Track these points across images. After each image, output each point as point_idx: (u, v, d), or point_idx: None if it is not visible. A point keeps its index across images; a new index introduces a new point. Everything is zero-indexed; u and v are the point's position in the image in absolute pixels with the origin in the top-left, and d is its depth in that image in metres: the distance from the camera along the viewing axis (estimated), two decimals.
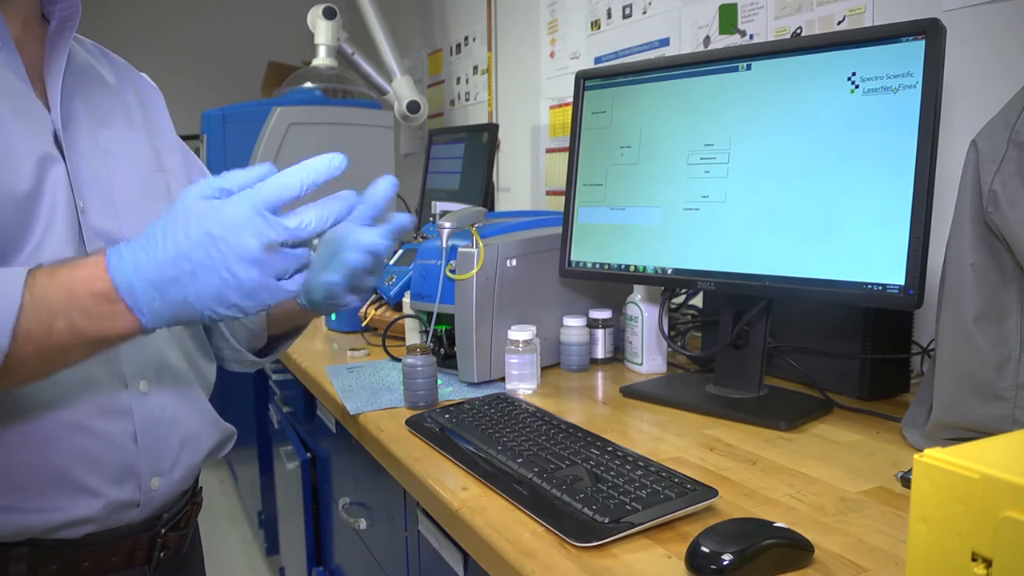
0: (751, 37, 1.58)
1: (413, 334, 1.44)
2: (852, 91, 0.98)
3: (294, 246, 0.65)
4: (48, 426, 0.73)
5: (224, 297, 0.63)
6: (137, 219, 0.83)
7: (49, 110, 0.78)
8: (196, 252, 0.62)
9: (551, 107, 2.29)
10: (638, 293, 1.33)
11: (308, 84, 2.70)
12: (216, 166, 2.36)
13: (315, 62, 2.68)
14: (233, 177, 0.64)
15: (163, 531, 0.86)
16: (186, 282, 0.62)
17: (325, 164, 0.67)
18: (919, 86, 0.92)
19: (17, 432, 0.72)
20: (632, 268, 1.22)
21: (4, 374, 0.62)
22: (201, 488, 0.95)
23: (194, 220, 0.62)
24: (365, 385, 1.27)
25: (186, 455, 0.86)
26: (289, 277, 0.65)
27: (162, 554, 0.86)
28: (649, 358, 1.33)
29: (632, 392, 1.20)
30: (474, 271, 1.22)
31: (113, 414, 0.78)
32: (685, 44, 1.76)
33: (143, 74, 0.98)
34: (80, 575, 0.78)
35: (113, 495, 0.78)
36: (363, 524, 1.36)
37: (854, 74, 0.98)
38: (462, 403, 1.09)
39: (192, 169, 0.99)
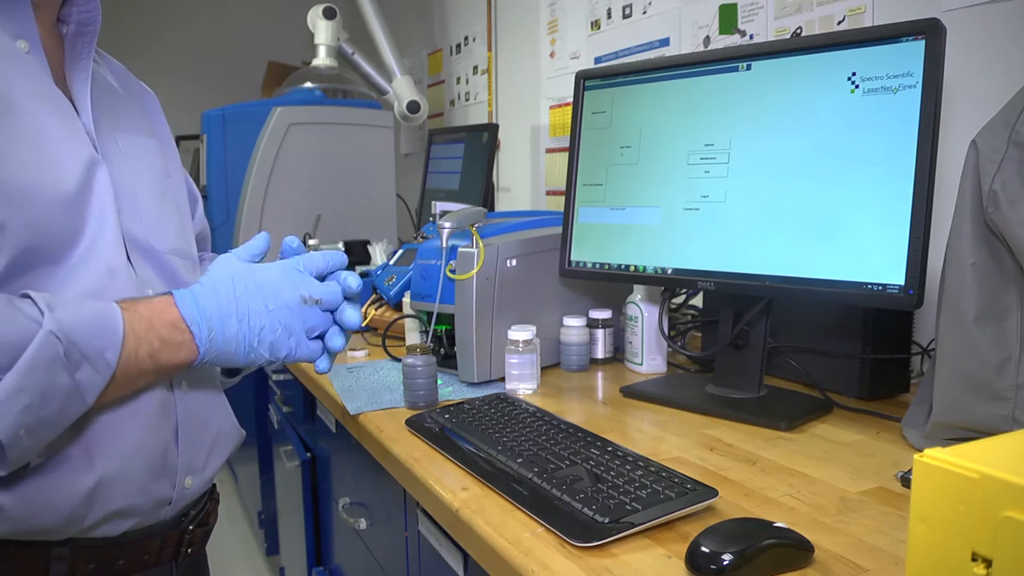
0: (751, 37, 1.58)
1: (413, 334, 1.44)
2: (852, 91, 0.98)
3: (325, 308, 0.80)
4: (98, 426, 0.74)
5: (265, 339, 0.76)
6: (156, 225, 0.84)
7: (79, 113, 0.77)
8: (249, 299, 0.75)
9: (551, 107, 2.29)
10: (638, 293, 1.33)
11: (308, 84, 2.70)
12: (216, 166, 2.37)
13: (315, 62, 2.68)
14: (248, 249, 0.81)
15: (190, 527, 0.87)
16: (237, 323, 0.75)
17: (340, 256, 0.84)
18: (919, 86, 0.92)
19: (67, 432, 0.71)
20: (632, 268, 1.22)
21: (100, 393, 0.68)
22: (215, 484, 0.95)
23: (246, 274, 0.77)
24: (365, 385, 1.27)
25: (216, 455, 0.88)
26: (314, 337, 0.81)
27: (189, 550, 0.87)
28: (649, 358, 1.33)
29: (632, 392, 1.20)
30: (474, 271, 1.22)
31: (160, 413, 0.79)
32: (685, 44, 1.76)
33: (141, 81, 0.98)
34: (115, 573, 0.79)
35: (152, 492, 0.79)
36: (363, 524, 1.36)
37: (854, 74, 0.98)
38: (462, 403, 1.09)
39: (188, 180, 1.00)
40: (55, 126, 0.73)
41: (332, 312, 0.82)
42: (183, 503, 0.84)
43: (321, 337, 0.82)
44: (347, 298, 0.83)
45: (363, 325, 1.62)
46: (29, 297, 0.65)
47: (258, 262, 0.81)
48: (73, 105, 0.78)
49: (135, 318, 0.70)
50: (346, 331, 0.84)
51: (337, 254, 0.83)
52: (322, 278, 0.82)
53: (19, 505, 0.69)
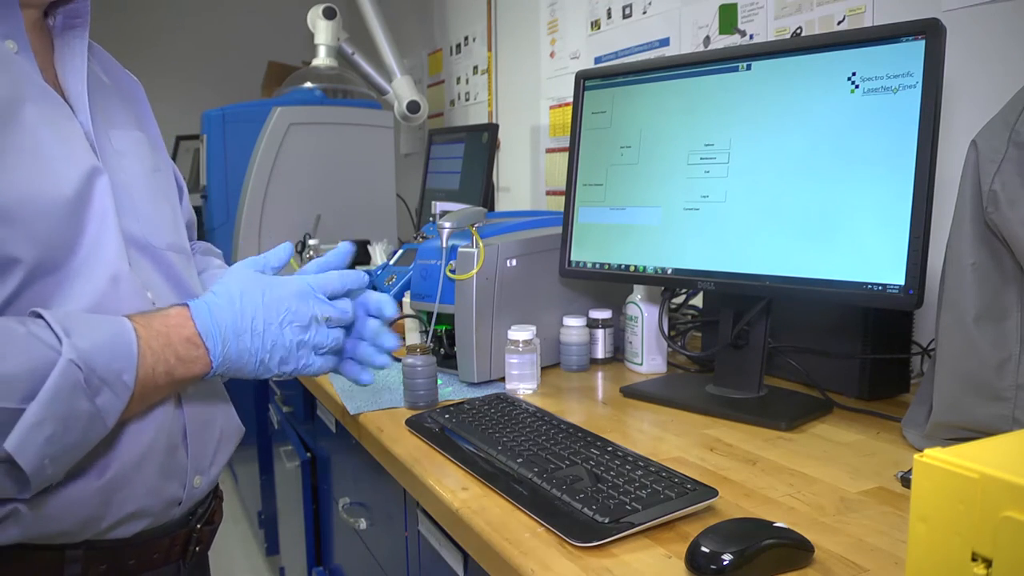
0: (751, 37, 1.58)
1: (413, 334, 1.44)
2: (852, 91, 0.98)
3: (335, 326, 0.81)
4: (112, 433, 0.73)
5: (276, 355, 0.76)
6: (151, 222, 0.83)
7: (75, 112, 0.76)
8: (263, 314, 0.75)
9: (551, 107, 2.29)
10: (638, 293, 1.33)
11: (308, 84, 2.70)
12: (216, 166, 2.37)
13: (315, 62, 2.68)
14: (268, 259, 0.82)
15: (198, 526, 0.88)
16: (251, 338, 0.75)
17: (358, 277, 0.84)
18: (919, 86, 0.92)
19: None
20: (632, 268, 1.22)
21: (120, 415, 0.68)
22: (219, 482, 0.96)
23: (266, 288, 0.76)
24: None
25: (221, 453, 0.89)
26: (322, 353, 0.81)
27: (196, 548, 0.88)
28: (649, 358, 1.33)
29: (632, 392, 1.20)
30: (474, 271, 1.22)
31: (168, 415, 0.79)
32: (685, 44, 1.76)
33: (125, 69, 0.96)
34: (126, 573, 0.79)
35: (163, 493, 0.79)
36: (363, 524, 1.36)
37: (854, 74, 0.98)
38: (462, 403, 1.09)
39: (175, 169, 0.99)
40: (51, 130, 0.72)
41: (345, 328, 0.84)
42: (192, 502, 0.85)
43: (331, 352, 0.83)
44: (372, 316, 0.88)
45: None
46: (42, 318, 0.64)
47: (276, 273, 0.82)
48: (68, 103, 0.76)
49: (152, 335, 0.70)
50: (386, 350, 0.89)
51: (356, 275, 0.83)
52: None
53: (37, 512, 0.69)
